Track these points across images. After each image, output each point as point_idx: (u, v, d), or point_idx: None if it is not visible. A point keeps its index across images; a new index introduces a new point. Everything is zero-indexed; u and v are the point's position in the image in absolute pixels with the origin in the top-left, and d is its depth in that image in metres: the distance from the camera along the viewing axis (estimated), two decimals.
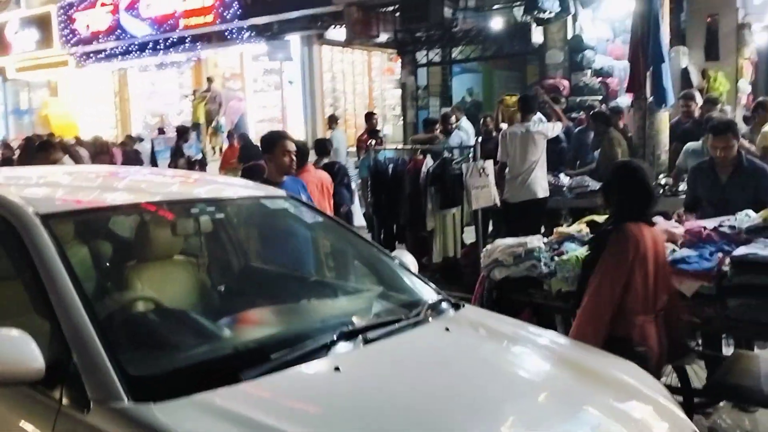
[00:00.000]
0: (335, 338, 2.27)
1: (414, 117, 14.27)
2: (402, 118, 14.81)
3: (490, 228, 7.58)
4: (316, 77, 15.66)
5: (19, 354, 1.96)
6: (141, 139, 14.61)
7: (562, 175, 7.29)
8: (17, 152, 14.67)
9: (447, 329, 2.50)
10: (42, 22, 17.44)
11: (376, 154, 8.00)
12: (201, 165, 11.08)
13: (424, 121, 11.13)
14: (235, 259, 3.13)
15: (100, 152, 12.63)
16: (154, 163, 11.67)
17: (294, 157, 4.20)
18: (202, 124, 15.87)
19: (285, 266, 3.19)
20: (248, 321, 2.50)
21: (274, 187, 3.73)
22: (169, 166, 10.99)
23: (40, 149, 8.60)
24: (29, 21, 17.84)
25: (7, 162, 11.02)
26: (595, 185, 6.58)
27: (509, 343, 2.60)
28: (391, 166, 8.19)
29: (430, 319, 2.57)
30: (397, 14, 13.12)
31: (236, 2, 14.16)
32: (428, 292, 2.87)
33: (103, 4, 16.14)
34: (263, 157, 4.31)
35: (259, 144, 4.75)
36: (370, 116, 11.26)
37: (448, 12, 12.60)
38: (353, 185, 8.64)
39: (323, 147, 8.17)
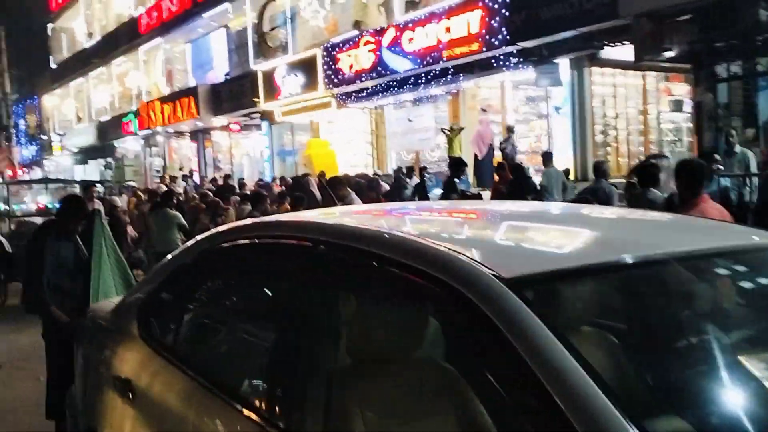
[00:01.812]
0: None
1: (712, 140, 12.21)
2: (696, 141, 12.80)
3: None
4: (587, 102, 14.23)
5: None
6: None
7: None
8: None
9: None
10: (308, 66, 18.00)
11: None
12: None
13: None
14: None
15: (369, 188, 12.32)
16: (424, 199, 10.96)
17: None
18: (459, 157, 15.17)
19: None
20: None
21: None
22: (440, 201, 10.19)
23: (330, 185, 8.26)
24: (295, 66, 18.54)
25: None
26: None
27: None
28: None
29: None
30: (694, 23, 11.34)
31: (504, 27, 13.26)
32: None
33: (366, 43, 16.18)
34: None
35: None
36: None
37: (763, 14, 10.58)
38: None
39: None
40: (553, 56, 13.58)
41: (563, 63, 13.80)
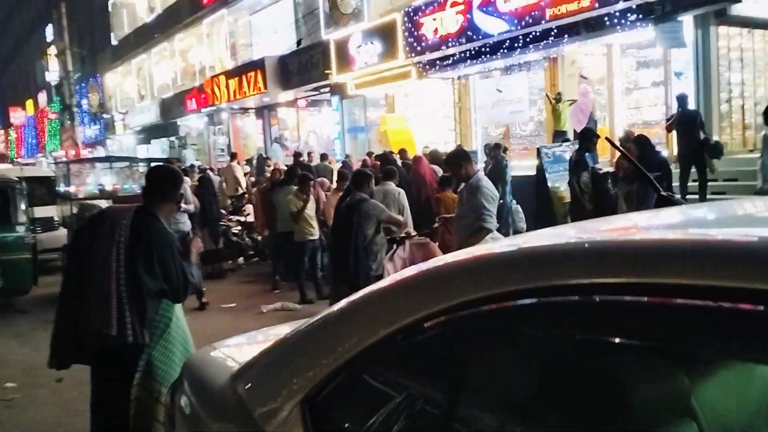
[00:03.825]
0: None
1: None
2: None
3: None
4: (712, 67, 12.34)
5: None
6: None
7: None
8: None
9: None
10: (386, 32, 16.46)
11: None
12: (614, 180, 8.48)
13: None
14: None
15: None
16: (541, 178, 9.34)
17: None
18: (566, 132, 13.48)
19: None
20: None
21: None
22: (571, 182, 8.58)
23: (451, 161, 6.71)
24: (372, 33, 17.02)
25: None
26: None
27: None
28: None
29: None
30: None
31: None
32: None
33: (454, 4, 14.53)
34: None
35: None
36: None
37: None
38: None
39: None
40: (675, 12, 11.73)
41: (686, 21, 11.96)
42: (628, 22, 11.97)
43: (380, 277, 5.90)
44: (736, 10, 11.90)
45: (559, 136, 13.04)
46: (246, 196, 15.16)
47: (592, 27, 12.65)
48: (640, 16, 11.83)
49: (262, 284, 11.28)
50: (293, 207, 9.35)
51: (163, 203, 3.65)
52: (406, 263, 6.14)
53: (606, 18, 12.20)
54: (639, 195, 9.22)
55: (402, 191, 7.33)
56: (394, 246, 6.21)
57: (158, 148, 32.60)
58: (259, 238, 13.04)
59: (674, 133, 10.95)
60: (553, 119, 13.51)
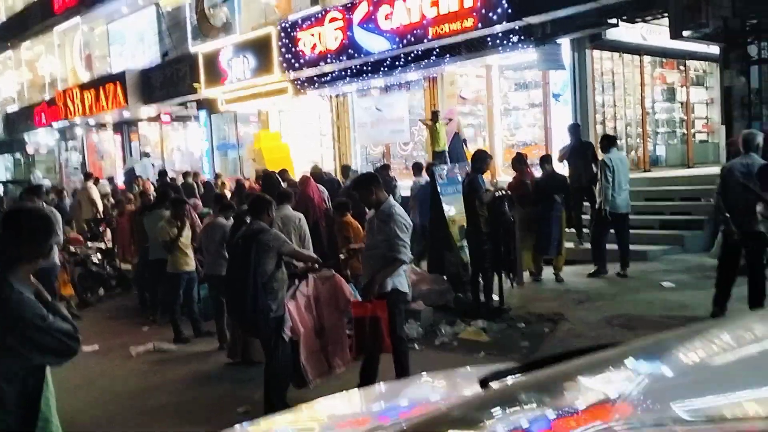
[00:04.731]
0: None
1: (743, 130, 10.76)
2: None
3: None
4: (588, 89, 12.62)
5: None
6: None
7: None
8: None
9: None
10: (260, 47, 15.63)
11: None
12: (510, 203, 8.20)
13: None
14: None
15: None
16: (436, 200, 8.85)
17: None
18: (445, 153, 13.25)
19: None
20: None
21: None
22: (466, 205, 8.20)
23: (359, 185, 6.03)
24: (245, 46, 16.12)
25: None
26: None
27: None
28: None
29: None
30: None
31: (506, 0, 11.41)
32: None
33: (333, 20, 13.99)
34: None
35: None
36: None
37: None
38: None
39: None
40: (555, 35, 11.86)
41: (564, 44, 12.14)
42: (510, 44, 11.97)
43: (281, 319, 5.15)
44: (608, 35, 12.21)
45: (438, 156, 12.79)
46: (105, 220, 13.79)
47: (473, 47, 12.57)
48: (521, 37, 11.86)
49: (127, 320, 10.08)
50: (166, 236, 8.36)
51: (26, 261, 2.63)
52: (311, 301, 5.45)
53: (488, 39, 12.14)
54: (535, 218, 9.08)
55: (302, 216, 6.56)
56: (296, 281, 5.48)
57: (1, 166, 29.68)
58: (126, 267, 11.77)
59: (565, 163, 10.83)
60: (432, 140, 13.26)
